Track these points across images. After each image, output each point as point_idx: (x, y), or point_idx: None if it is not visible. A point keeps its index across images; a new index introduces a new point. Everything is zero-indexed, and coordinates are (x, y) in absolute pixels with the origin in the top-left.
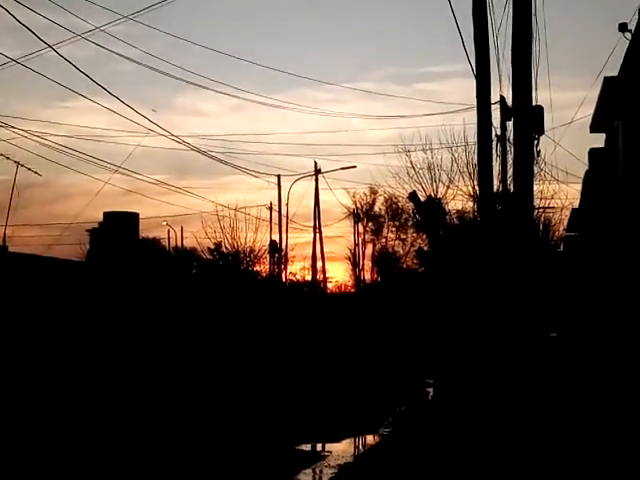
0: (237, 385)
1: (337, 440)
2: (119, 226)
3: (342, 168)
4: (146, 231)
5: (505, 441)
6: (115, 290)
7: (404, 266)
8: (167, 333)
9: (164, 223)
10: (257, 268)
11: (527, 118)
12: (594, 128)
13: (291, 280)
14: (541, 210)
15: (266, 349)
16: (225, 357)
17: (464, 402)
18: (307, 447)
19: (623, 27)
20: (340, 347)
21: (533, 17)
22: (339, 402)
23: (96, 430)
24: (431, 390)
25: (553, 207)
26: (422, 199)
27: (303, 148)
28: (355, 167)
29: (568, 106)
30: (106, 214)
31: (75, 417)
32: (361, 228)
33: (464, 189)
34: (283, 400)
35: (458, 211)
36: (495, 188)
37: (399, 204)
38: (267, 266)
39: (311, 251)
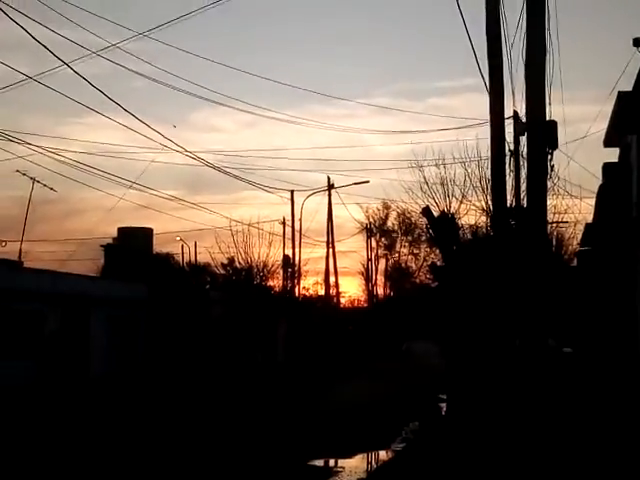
0: (249, 397)
1: (350, 455)
2: (133, 241)
3: (355, 183)
4: (160, 246)
5: (519, 458)
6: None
7: (417, 281)
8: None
9: (178, 238)
10: (270, 283)
11: (541, 133)
12: (608, 142)
13: (304, 295)
14: (554, 225)
15: (281, 361)
16: (238, 369)
17: (478, 418)
18: (319, 462)
19: (638, 42)
20: (354, 361)
21: (547, 32)
22: (352, 416)
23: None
24: (444, 405)
25: (567, 222)
26: (435, 214)
27: (316, 163)
28: (368, 182)
29: (582, 120)
30: (120, 229)
31: None
32: (374, 243)
33: (477, 204)
34: (296, 413)
35: (471, 226)
36: (508, 203)
37: (412, 219)
38: (280, 281)
39: (324, 266)
